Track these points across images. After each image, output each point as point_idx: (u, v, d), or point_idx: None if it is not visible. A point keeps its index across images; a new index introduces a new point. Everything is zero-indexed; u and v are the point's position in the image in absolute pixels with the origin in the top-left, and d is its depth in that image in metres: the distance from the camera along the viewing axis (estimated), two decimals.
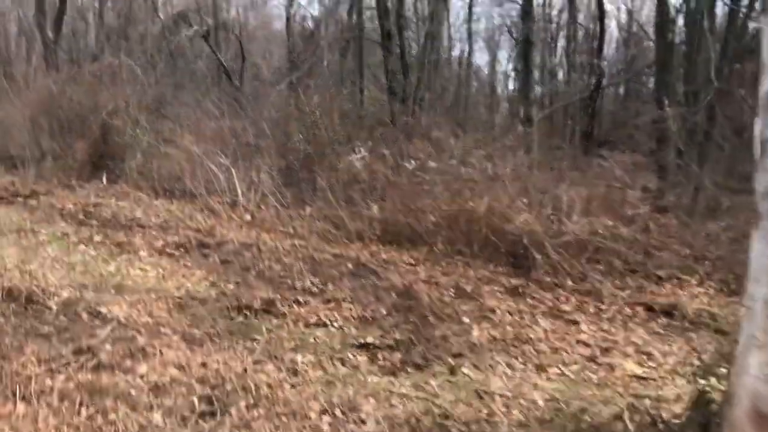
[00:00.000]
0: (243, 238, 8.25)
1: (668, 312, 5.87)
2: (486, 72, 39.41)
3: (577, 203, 7.54)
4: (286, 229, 8.91)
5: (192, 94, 16.51)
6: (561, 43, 31.27)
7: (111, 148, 11.59)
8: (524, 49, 14.36)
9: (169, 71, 21.07)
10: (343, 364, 4.16)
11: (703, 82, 12.94)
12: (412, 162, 8.15)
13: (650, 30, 29.73)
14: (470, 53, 31.40)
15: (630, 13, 28.83)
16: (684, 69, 13.24)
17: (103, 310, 4.89)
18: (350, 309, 5.42)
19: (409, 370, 4.09)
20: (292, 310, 5.25)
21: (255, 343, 4.45)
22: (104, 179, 11.52)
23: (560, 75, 30.00)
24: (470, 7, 30.14)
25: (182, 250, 7.58)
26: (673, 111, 10.06)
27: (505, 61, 38.55)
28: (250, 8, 36.44)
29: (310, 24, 27.55)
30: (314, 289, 6.05)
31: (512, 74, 37.49)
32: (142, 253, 7.20)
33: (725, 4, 11.96)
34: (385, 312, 5.45)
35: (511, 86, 38.08)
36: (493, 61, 38.44)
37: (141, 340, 4.22)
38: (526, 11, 14.22)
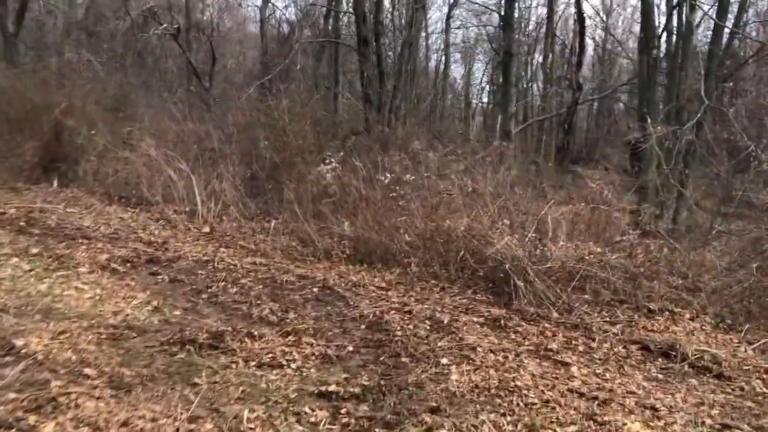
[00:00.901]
0: (198, 254, 7.54)
1: (665, 353, 5.30)
2: (461, 84, 39.18)
3: (563, 226, 6.97)
4: (247, 244, 8.21)
5: (158, 94, 15.75)
6: (536, 57, 31.15)
7: (64, 150, 10.76)
8: (504, 61, 13.86)
9: (136, 70, 20.23)
10: (298, 422, 3.48)
11: (688, 100, 12.60)
12: (387, 175, 7.52)
13: (629, 47, 29.72)
14: (447, 64, 30.98)
15: (606, 29, 28.73)
16: (667, 86, 12.85)
17: (19, 342, 4.15)
18: (312, 344, 4.74)
19: (377, 431, 3.43)
20: (243, 346, 4.55)
21: (195, 390, 3.75)
22: (55, 183, 10.68)
23: (534, 89, 29.81)
24: (448, 18, 29.79)
25: (129, 265, 6.83)
26: (658, 128, 9.55)
27: (480, 74, 38.34)
28: (225, 10, 35.69)
29: (285, 28, 26.89)
30: (272, 318, 5.36)
31: (486, 87, 37.35)
32: (83, 269, 6.43)
33: (712, 20, 11.57)
34: (351, 348, 4.79)
35: (485, 99, 37.93)
36: (469, 73, 38.20)
37: (55, 386, 3.50)
38: (507, 22, 13.74)
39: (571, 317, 5.98)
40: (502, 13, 13.95)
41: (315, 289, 6.42)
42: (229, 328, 4.79)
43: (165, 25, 18.88)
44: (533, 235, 6.83)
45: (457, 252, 6.92)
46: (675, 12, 13.73)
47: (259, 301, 5.82)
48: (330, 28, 21.85)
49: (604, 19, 24.28)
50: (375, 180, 7.79)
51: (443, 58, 34.11)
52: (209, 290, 6.11)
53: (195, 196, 9.48)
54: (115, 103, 12.49)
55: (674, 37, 13.06)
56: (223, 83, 19.66)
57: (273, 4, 26.60)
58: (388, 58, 19.55)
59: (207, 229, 8.82)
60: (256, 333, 4.78)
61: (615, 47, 29.32)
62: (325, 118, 12.55)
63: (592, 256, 6.61)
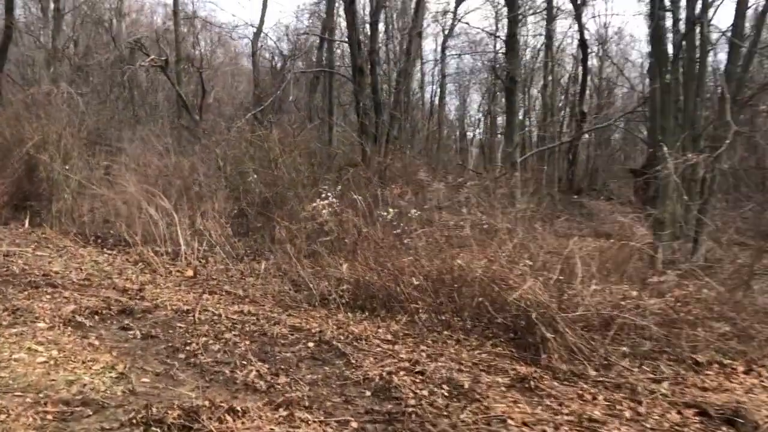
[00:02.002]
0: (179, 302, 6.68)
1: (729, 419, 4.44)
2: (455, 115, 38.62)
3: (592, 265, 6.14)
4: (234, 289, 7.35)
5: (144, 127, 15.01)
6: (533, 87, 30.70)
7: (36, 187, 9.93)
8: (508, 87, 13.20)
9: (122, 103, 19.53)
10: None
11: (705, 125, 11.89)
12: (390, 210, 6.71)
13: (631, 74, 29.32)
14: (442, 95, 30.47)
15: (602, 57, 28.28)
16: (680, 112, 12.16)
17: None
18: (307, 421, 3.87)
19: None
20: (223, 427, 3.67)
21: None
22: (26, 222, 9.83)
23: (533, 118, 29.27)
24: (443, 48, 29.38)
25: (97, 318, 5.96)
26: (687, 155, 8.78)
27: (476, 105, 37.89)
28: (217, 44, 35.26)
29: (277, 60, 26.36)
30: (260, 384, 4.48)
31: (481, 118, 36.85)
32: (41, 325, 5.55)
33: (730, 40, 10.92)
34: (356, 425, 3.91)
35: (479, 130, 37.38)
36: (463, 104, 37.73)
37: None
38: (510, 47, 13.11)
39: (611, 374, 5.12)
40: (504, 38, 13.36)
41: (310, 344, 5.55)
42: (207, 403, 3.90)
43: (152, 57, 18.20)
44: (558, 276, 5.99)
45: (473, 297, 6.08)
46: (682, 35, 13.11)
47: (244, 362, 4.95)
48: (324, 58, 21.24)
49: (601, 48, 23.91)
50: (376, 216, 6.98)
51: (438, 89, 33.69)
52: (187, 348, 5.23)
53: (178, 236, 8.65)
54: (93, 136, 11.71)
55: (680, 62, 12.40)
56: (213, 116, 18.95)
57: (266, 35, 26.07)
58: (382, 89, 18.90)
59: (190, 273, 7.97)
60: (239, 408, 3.89)
61: (613, 76, 28.88)
62: (320, 149, 11.76)
63: (628, 301, 5.77)
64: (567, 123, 23.92)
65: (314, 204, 7.26)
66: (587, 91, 19.77)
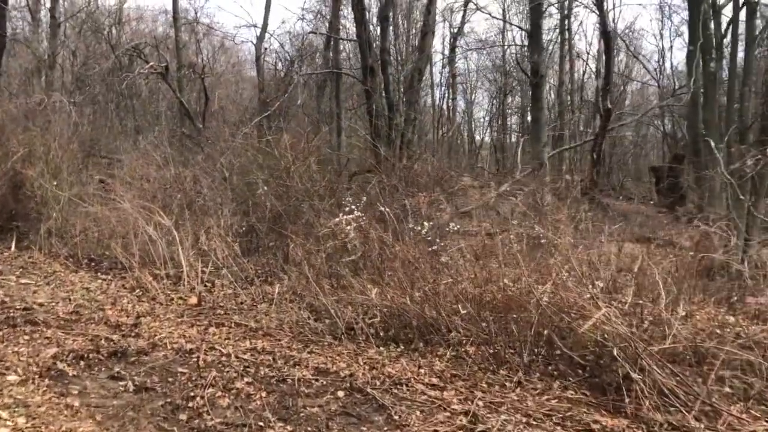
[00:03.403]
0: (180, 338, 5.68)
1: None
2: (463, 117, 37.59)
3: (670, 284, 5.12)
4: (245, 319, 6.34)
5: (144, 137, 14.08)
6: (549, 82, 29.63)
7: (23, 205, 8.97)
8: (534, 83, 12.19)
9: (121, 112, 18.64)
10: None
11: (754, 118, 10.86)
12: (425, 224, 5.70)
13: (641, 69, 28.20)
14: (454, 96, 29.48)
15: (623, 51, 27.21)
16: (726, 105, 11.12)
17: None
18: None
19: None
20: None
21: None
22: (12, 245, 8.87)
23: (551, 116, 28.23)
24: (453, 48, 28.44)
25: (82, 365, 4.97)
26: (751, 153, 7.71)
27: (484, 106, 36.83)
28: (219, 51, 34.42)
29: (282, 65, 25.44)
30: None
31: (489, 118, 35.82)
32: (11, 378, 4.56)
33: None
34: None
35: (487, 131, 36.34)
36: (471, 105, 36.69)
37: None
38: (535, 38, 12.09)
39: (719, 426, 4.09)
40: (527, 29, 12.38)
41: (340, 393, 4.55)
42: None
43: (152, 64, 17.29)
44: (633, 300, 4.97)
45: (531, 326, 5.05)
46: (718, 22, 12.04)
47: (261, 422, 3.96)
48: (330, 59, 20.28)
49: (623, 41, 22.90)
50: (407, 230, 5.97)
51: (446, 90, 32.75)
52: (190, 405, 4.24)
53: (179, 257, 7.67)
54: (87, 148, 10.76)
55: (723, 50, 11.34)
56: (217, 123, 18.00)
57: (271, 35, 25.13)
58: (394, 90, 17.92)
59: (194, 300, 6.97)
60: None
61: (630, 70, 27.82)
62: (332, 156, 10.74)
63: (727, 329, 4.74)
64: (584, 121, 22.87)
65: (337, 219, 6.27)
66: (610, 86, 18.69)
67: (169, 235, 7.96)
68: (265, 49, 20.48)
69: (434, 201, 6.79)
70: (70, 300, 6.87)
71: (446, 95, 33.47)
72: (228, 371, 4.90)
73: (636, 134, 32.33)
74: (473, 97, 37.23)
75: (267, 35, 20.61)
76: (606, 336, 4.63)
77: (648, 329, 4.79)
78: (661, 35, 32.56)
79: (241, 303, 6.99)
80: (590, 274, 5.16)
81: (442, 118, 32.37)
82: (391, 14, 18.23)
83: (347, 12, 25.16)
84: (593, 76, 25.69)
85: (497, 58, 32.35)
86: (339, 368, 5.03)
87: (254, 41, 23.53)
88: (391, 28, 18.94)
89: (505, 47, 31.85)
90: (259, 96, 20.98)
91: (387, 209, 6.06)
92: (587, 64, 23.07)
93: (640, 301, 4.85)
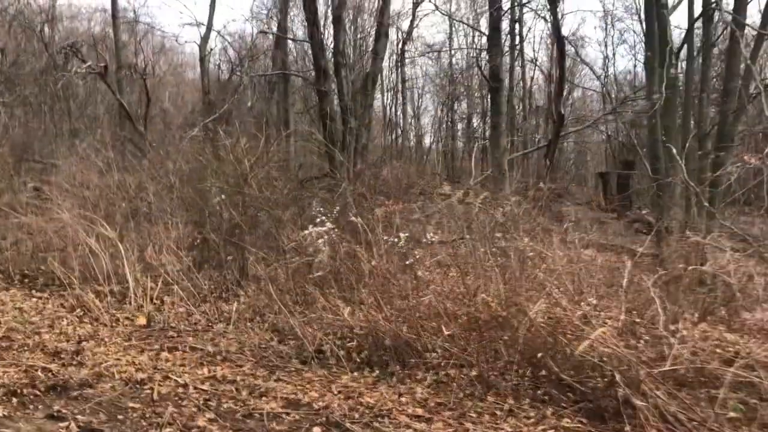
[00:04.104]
0: (129, 367, 5.07)
1: None
2: (409, 123, 37.25)
3: (667, 303, 4.82)
4: (201, 342, 5.77)
5: (82, 140, 13.19)
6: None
7: None
8: (493, 87, 11.94)
9: (57, 114, 17.57)
10: None
11: (712, 125, 10.86)
12: (401, 236, 5.25)
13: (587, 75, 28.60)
14: (404, 101, 29.20)
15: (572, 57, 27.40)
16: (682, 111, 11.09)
17: None
18: None
19: None
20: None
21: None
22: None
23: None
24: (402, 52, 28.19)
25: (14, 403, 4.32)
26: (746, 157, 7.50)
27: (434, 112, 36.73)
28: (160, 53, 33.22)
29: (226, 68, 24.63)
30: None
31: (432, 126, 35.71)
32: None
33: (749, 28, 9.89)
34: None
35: (432, 137, 36.18)
36: (418, 111, 36.43)
37: None
38: (494, 43, 11.86)
39: None
40: (487, 33, 12.15)
41: (316, 430, 4.05)
42: None
43: (89, 63, 16.32)
44: (629, 317, 4.65)
45: (515, 348, 4.68)
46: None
47: None
48: (279, 61, 19.63)
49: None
50: (381, 242, 5.51)
51: (395, 96, 32.44)
52: None
53: (125, 272, 7.01)
54: (19, 152, 9.89)
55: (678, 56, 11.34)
56: (159, 127, 17.15)
57: (219, 32, 24.23)
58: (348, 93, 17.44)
59: (142, 321, 6.35)
60: None
61: (574, 76, 28.09)
62: (284, 162, 10.18)
63: (727, 348, 4.46)
64: (534, 127, 22.95)
65: (307, 232, 5.76)
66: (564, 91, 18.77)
67: (113, 248, 7.29)
68: (211, 49, 19.69)
69: (405, 210, 6.37)
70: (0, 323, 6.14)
71: (394, 100, 33.21)
72: (186, 405, 4.35)
73: (579, 141, 32.77)
74: (420, 103, 37.10)
75: (213, 35, 19.82)
76: (604, 357, 4.28)
77: (643, 350, 4.47)
78: (605, 43, 32.95)
79: (195, 323, 6.41)
80: (580, 289, 4.82)
81: (391, 123, 32.06)
82: (344, 15, 17.78)
83: (294, 14, 24.62)
84: (539, 82, 25.92)
85: (445, 64, 32.28)
86: (311, 399, 4.53)
87: (198, 42, 22.69)
88: (343, 29, 18.47)
89: (453, 53, 31.83)
90: (203, 98, 20.18)
91: (359, 219, 5.59)
92: (539, 69, 23.19)
93: (638, 320, 4.53)
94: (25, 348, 5.44)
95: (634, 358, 4.23)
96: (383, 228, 6.05)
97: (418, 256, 5.47)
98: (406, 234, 5.30)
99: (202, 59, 21.85)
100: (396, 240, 5.34)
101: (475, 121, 35.70)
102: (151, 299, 6.75)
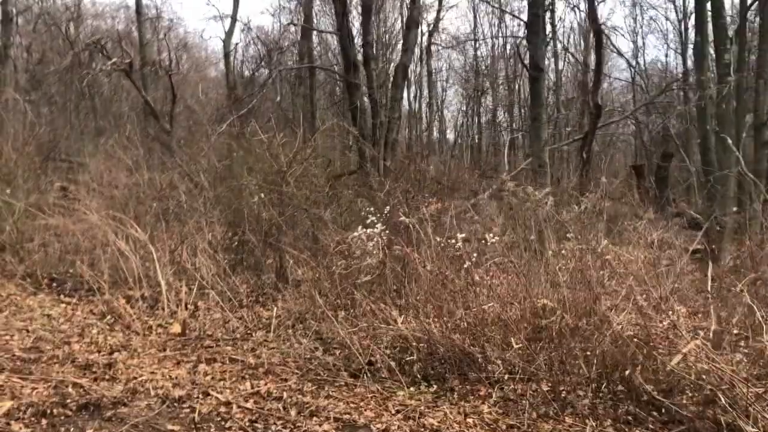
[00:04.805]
0: (166, 382, 4.67)
1: None
2: (434, 117, 36.69)
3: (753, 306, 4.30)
4: (241, 354, 5.36)
5: (107, 138, 12.90)
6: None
7: None
8: (533, 77, 11.38)
9: (82, 112, 17.34)
10: None
11: None
12: (458, 236, 4.78)
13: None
14: (431, 94, 28.68)
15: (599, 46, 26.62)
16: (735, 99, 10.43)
17: None
18: None
19: None
20: None
21: None
22: None
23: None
24: (429, 44, 27.66)
25: (44, 425, 3.94)
26: None
27: (458, 106, 36.14)
28: (183, 50, 33.05)
29: (253, 63, 24.31)
30: None
31: (460, 120, 35.12)
32: None
33: None
34: None
35: (457, 133, 35.58)
36: (442, 104, 35.83)
37: None
38: (533, 30, 11.28)
39: None
40: (527, 20, 11.60)
41: None
42: None
43: (115, 60, 16.04)
44: (722, 327, 4.14)
45: (591, 361, 4.19)
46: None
47: None
48: (305, 54, 19.21)
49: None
50: (434, 244, 5.04)
51: (419, 89, 31.91)
52: None
53: (157, 276, 6.63)
54: (46, 151, 9.58)
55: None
56: (186, 124, 16.81)
57: (247, 25, 23.83)
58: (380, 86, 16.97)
59: (177, 329, 5.95)
60: None
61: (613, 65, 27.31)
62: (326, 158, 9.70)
63: None
64: (567, 118, 22.26)
65: (355, 234, 5.31)
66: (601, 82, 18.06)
67: (144, 250, 6.92)
68: (236, 44, 19.32)
69: (455, 208, 5.89)
70: (28, 331, 5.79)
71: (418, 94, 32.68)
72: (231, 428, 3.94)
73: (606, 133, 31.92)
74: (444, 97, 36.52)
75: (236, 30, 19.47)
76: (700, 374, 3.79)
77: (740, 364, 3.96)
78: (636, 32, 32.07)
79: (233, 331, 5.99)
80: (665, 295, 4.31)
81: (415, 117, 31.55)
82: (373, 5, 17.30)
83: (318, 6, 24.21)
84: (568, 73, 25.22)
85: (471, 57, 31.74)
86: (367, 419, 4.09)
87: (222, 37, 22.40)
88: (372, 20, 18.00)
89: (478, 45, 31.24)
90: (229, 94, 19.83)
91: (410, 219, 5.13)
92: (575, 58, 22.46)
93: (736, 331, 4.02)
94: (55, 360, 5.07)
95: (736, 375, 3.74)
96: (434, 228, 5.59)
97: (474, 259, 4.99)
98: (463, 235, 4.83)
99: (227, 54, 21.56)
100: (452, 241, 4.87)
101: (500, 115, 35.10)
102: (185, 305, 6.35)
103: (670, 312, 4.08)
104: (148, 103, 17.15)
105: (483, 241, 4.89)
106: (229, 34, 22.35)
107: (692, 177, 21.42)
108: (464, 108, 34.11)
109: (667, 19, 29.03)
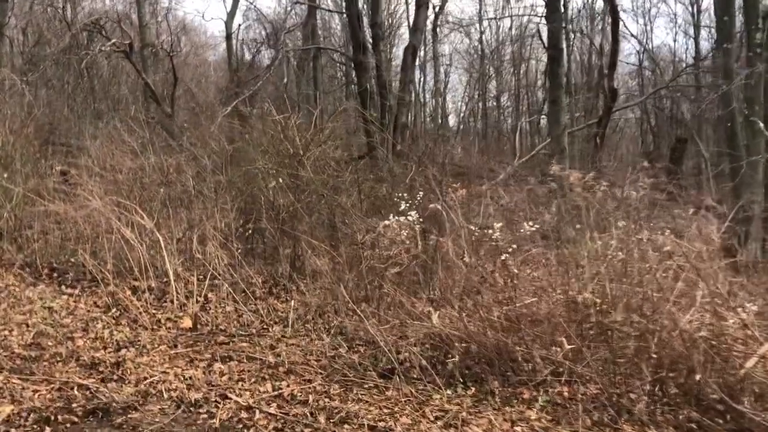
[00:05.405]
0: (179, 383, 4.28)
1: None
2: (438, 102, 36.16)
3: None
4: (258, 350, 4.97)
5: (107, 121, 12.48)
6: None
7: None
8: (553, 58, 10.95)
9: (80, 94, 16.86)
10: None
11: None
12: (495, 225, 4.37)
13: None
14: (437, 78, 28.14)
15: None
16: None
17: None
18: None
19: None
20: None
21: None
22: None
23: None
24: (435, 26, 27.11)
25: None
26: None
27: (462, 91, 35.63)
28: (182, 32, 32.46)
29: (255, 44, 23.76)
30: None
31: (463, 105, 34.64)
32: None
33: None
34: None
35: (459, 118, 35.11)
36: (444, 89, 35.29)
37: None
38: (553, 9, 10.85)
39: None
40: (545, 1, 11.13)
41: None
42: None
43: (114, 41, 15.55)
44: None
45: (660, 364, 3.81)
46: None
47: None
48: (310, 35, 18.69)
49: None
50: (467, 233, 4.64)
51: (422, 73, 31.38)
52: None
53: (164, 265, 6.23)
54: (45, 134, 9.13)
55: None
56: (188, 107, 16.33)
57: (252, 3, 23.21)
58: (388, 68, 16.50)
59: (187, 323, 5.56)
60: None
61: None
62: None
63: None
64: (580, 102, 21.81)
65: (385, 223, 4.90)
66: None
67: (150, 238, 6.52)
68: (239, 25, 18.80)
69: (483, 194, 5.48)
70: (27, 326, 5.39)
71: (422, 78, 32.16)
72: None
73: (614, 119, 31.43)
74: (447, 81, 35.97)
75: (239, 13, 18.92)
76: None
77: None
78: (644, 15, 31.51)
79: (248, 325, 5.61)
80: (733, 291, 3.92)
81: (418, 102, 31.05)
82: None
83: None
84: (578, 57, 24.68)
85: (476, 41, 31.25)
86: (404, 427, 3.71)
87: (224, 18, 21.86)
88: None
89: (483, 28, 30.72)
90: (231, 77, 19.33)
91: (443, 206, 4.72)
92: (592, 42, 21.95)
93: None
94: (58, 358, 4.68)
95: None
96: (464, 216, 5.18)
97: (512, 250, 4.59)
98: (501, 224, 4.43)
99: (229, 36, 21.03)
100: (488, 231, 4.47)
101: (505, 100, 34.61)
102: (195, 297, 5.95)
103: (740, 309, 3.68)
104: (149, 85, 16.67)
105: (522, 230, 4.49)
106: (231, 14, 21.84)
107: (704, 163, 21.01)
108: (468, 93, 33.61)
109: (677, 1, 28.39)
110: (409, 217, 4.80)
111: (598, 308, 4.23)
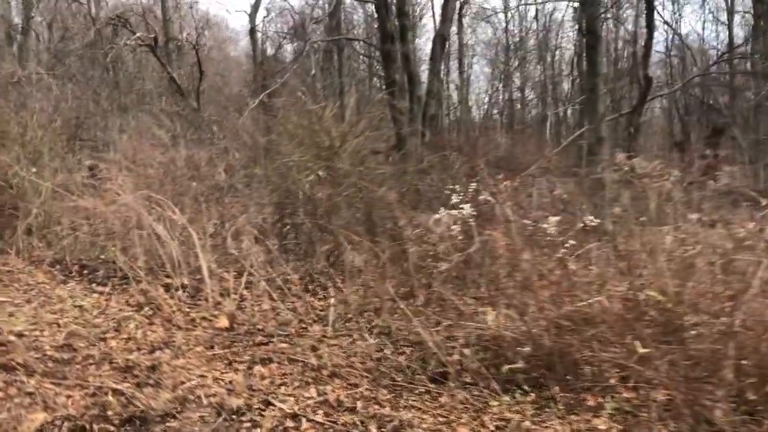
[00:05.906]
0: (219, 388, 4.04)
1: None
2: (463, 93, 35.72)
3: None
4: (300, 352, 4.70)
5: (134, 115, 12.33)
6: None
7: None
8: (589, 44, 10.56)
9: (106, 88, 16.77)
10: None
11: None
12: (552, 220, 4.07)
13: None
14: (461, 68, 27.75)
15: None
16: None
17: None
18: None
19: None
20: None
21: None
22: None
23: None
24: (460, 15, 26.67)
25: None
26: None
27: (486, 82, 35.15)
28: (206, 27, 32.45)
29: (273, 41, 23.55)
30: None
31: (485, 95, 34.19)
32: None
33: None
34: None
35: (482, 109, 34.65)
36: (468, 80, 34.80)
37: None
38: None
39: None
40: None
41: None
42: None
43: (139, 35, 15.42)
44: None
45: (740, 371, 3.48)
46: None
47: None
48: (335, 26, 18.41)
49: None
50: (518, 228, 4.34)
51: (445, 65, 30.99)
52: None
53: (197, 262, 6.01)
54: (72, 129, 8.97)
55: None
56: (215, 100, 16.18)
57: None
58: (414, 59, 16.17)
59: (224, 322, 5.32)
60: None
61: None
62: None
63: None
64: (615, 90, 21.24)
65: (437, 216, 4.62)
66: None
67: (183, 233, 6.30)
68: (264, 17, 18.59)
69: (531, 186, 5.17)
70: (59, 326, 5.19)
71: (446, 69, 31.77)
72: None
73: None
74: (470, 72, 35.52)
75: (263, 4, 18.74)
76: None
77: None
78: (673, 2, 30.72)
79: (286, 324, 5.35)
80: None
81: (445, 93, 30.70)
82: None
83: None
84: (611, 45, 24.14)
85: (501, 30, 30.80)
86: None
87: (248, 11, 21.67)
88: None
89: (508, 18, 30.26)
90: (256, 69, 19.14)
91: (496, 199, 4.43)
92: (624, 27, 21.49)
93: None
94: (90, 361, 4.46)
95: None
96: (513, 209, 4.87)
97: (568, 246, 4.28)
98: (558, 218, 4.13)
99: (253, 29, 20.83)
100: (546, 226, 4.17)
101: (528, 91, 34.10)
102: (231, 294, 5.71)
103: None
104: (174, 80, 16.56)
105: (581, 225, 4.18)
106: (255, 7, 21.64)
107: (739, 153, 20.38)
108: (493, 84, 33.15)
109: None
110: (463, 211, 4.53)
111: (666, 307, 3.91)
